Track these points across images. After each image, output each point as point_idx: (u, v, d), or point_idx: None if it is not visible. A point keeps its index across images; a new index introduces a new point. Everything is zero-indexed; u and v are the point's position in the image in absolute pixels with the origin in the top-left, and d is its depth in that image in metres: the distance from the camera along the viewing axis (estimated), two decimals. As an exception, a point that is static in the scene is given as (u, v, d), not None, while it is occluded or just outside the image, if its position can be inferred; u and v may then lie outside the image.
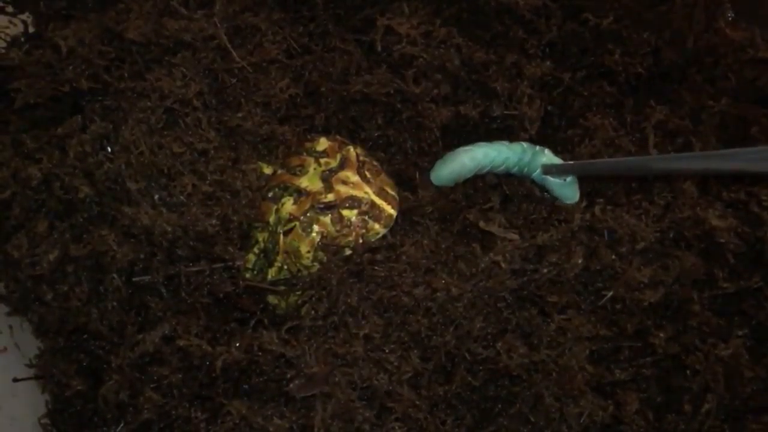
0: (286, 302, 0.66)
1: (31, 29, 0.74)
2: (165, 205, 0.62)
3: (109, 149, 0.64)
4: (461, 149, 0.71)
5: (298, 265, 0.65)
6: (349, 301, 0.61)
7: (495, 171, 0.72)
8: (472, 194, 0.73)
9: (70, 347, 0.66)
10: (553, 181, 0.71)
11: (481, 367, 0.63)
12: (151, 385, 0.61)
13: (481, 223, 0.69)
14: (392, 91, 0.73)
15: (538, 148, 0.71)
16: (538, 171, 0.71)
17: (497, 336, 0.63)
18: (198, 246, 0.63)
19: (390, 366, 0.60)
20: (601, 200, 0.71)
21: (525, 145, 0.71)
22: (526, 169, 0.72)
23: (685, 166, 0.62)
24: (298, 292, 0.64)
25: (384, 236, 0.66)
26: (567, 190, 0.72)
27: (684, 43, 0.79)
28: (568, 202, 0.72)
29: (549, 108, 0.78)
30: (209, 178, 0.64)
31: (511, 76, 0.76)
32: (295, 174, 0.67)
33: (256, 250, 0.66)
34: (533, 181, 0.73)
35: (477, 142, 0.72)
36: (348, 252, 0.64)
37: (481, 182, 0.74)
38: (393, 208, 0.66)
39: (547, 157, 0.71)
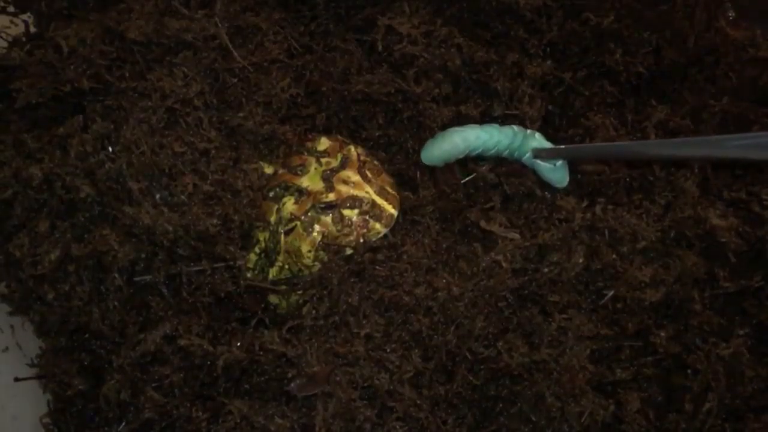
0: (287, 302, 0.66)
1: (32, 29, 0.75)
2: (166, 204, 0.62)
3: (111, 149, 0.64)
4: (453, 129, 0.71)
5: (299, 264, 0.65)
6: (350, 300, 0.61)
7: (485, 154, 0.72)
8: (473, 193, 0.73)
9: (72, 347, 0.66)
10: (543, 165, 0.71)
11: (482, 367, 0.63)
12: (153, 385, 0.61)
13: (482, 223, 0.69)
14: (393, 91, 0.73)
15: (528, 131, 0.71)
16: (529, 154, 0.71)
17: (498, 335, 0.63)
18: (199, 245, 0.63)
19: (391, 365, 0.60)
20: (602, 200, 0.71)
21: (516, 128, 0.71)
22: (516, 153, 0.72)
23: (677, 152, 0.61)
24: (299, 292, 0.64)
25: (385, 236, 0.66)
26: (557, 174, 0.71)
27: (685, 42, 0.79)
28: (558, 186, 0.72)
29: (550, 107, 0.78)
30: (210, 177, 0.64)
31: (512, 76, 0.76)
32: (296, 173, 0.67)
33: (257, 249, 0.66)
34: (524, 165, 0.73)
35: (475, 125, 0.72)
36: (349, 251, 0.64)
37: (481, 181, 0.74)
38: (394, 207, 0.66)
39: (538, 140, 0.71)
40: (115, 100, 0.66)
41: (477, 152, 0.71)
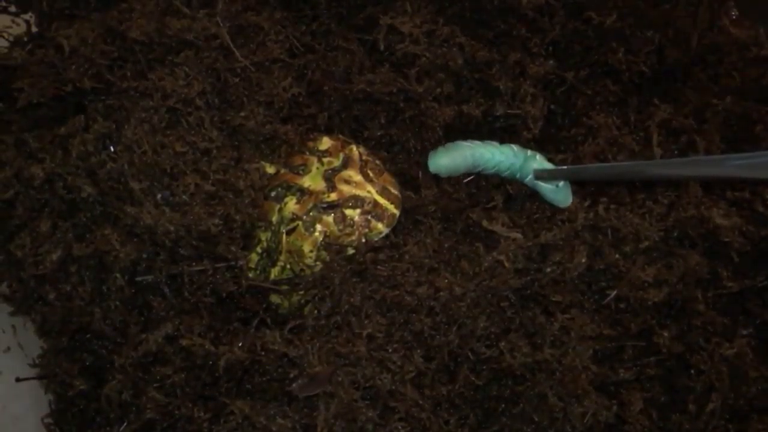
0: (288, 302, 0.66)
1: (33, 29, 0.74)
2: (168, 204, 0.62)
3: (112, 149, 0.64)
4: (464, 143, 0.71)
5: (300, 264, 0.65)
6: (351, 300, 0.61)
7: (485, 172, 0.72)
8: (475, 193, 0.73)
9: (73, 347, 0.66)
10: (545, 186, 0.71)
11: (484, 367, 0.62)
12: (154, 385, 0.61)
13: (485, 222, 0.69)
14: (395, 90, 0.73)
15: (529, 152, 0.71)
16: (530, 176, 0.71)
17: (500, 335, 0.63)
18: (201, 245, 0.63)
19: (393, 365, 0.60)
20: (605, 199, 0.71)
21: (515, 148, 0.71)
22: (518, 174, 0.71)
23: (679, 171, 0.62)
24: (301, 292, 0.64)
25: (387, 235, 0.66)
26: (559, 194, 0.71)
27: (688, 41, 0.79)
28: (561, 206, 0.72)
29: (552, 107, 0.77)
30: (212, 177, 0.64)
31: (514, 75, 0.75)
32: (297, 173, 0.67)
33: (258, 249, 0.66)
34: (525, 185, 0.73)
35: (477, 140, 0.72)
36: (351, 251, 0.64)
37: (484, 181, 0.73)
38: (396, 207, 0.66)
39: (539, 162, 0.71)
40: (116, 100, 0.66)
41: (478, 170, 0.71)
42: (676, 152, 0.75)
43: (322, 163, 0.67)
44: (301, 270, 0.65)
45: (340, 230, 0.64)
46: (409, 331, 0.61)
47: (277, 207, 0.66)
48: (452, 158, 0.70)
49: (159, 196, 0.63)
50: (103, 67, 0.67)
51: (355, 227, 0.64)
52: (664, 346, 0.65)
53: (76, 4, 0.74)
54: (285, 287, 0.64)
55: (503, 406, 0.63)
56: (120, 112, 0.65)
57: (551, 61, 0.77)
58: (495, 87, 0.74)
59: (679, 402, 0.66)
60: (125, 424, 0.62)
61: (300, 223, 0.64)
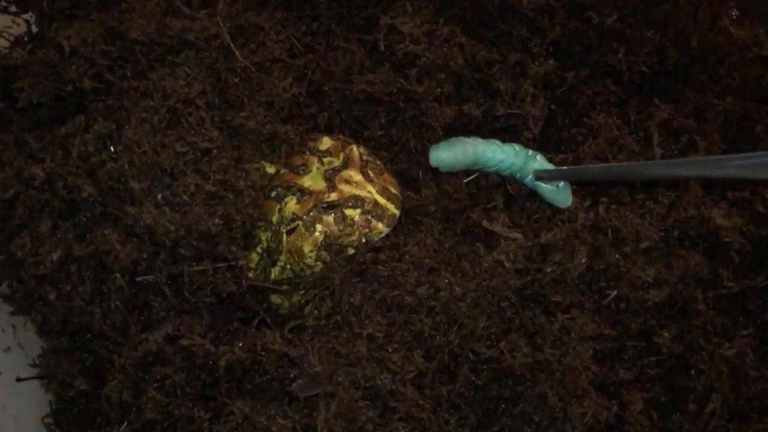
0: (289, 302, 0.66)
1: (34, 29, 0.74)
2: (168, 204, 0.62)
3: (112, 149, 0.64)
4: (466, 139, 0.70)
5: (301, 264, 0.65)
6: (352, 300, 0.61)
7: (485, 170, 0.72)
8: (475, 193, 0.73)
9: (74, 347, 0.66)
10: (545, 187, 0.70)
11: (484, 367, 0.62)
12: (155, 385, 0.61)
13: (485, 223, 0.69)
14: (395, 90, 0.73)
15: (530, 152, 0.71)
16: (530, 177, 0.71)
17: (501, 335, 0.63)
18: (201, 245, 0.63)
19: (393, 365, 0.60)
20: (605, 199, 0.71)
21: (517, 147, 0.71)
22: (518, 174, 0.71)
23: (679, 172, 0.62)
24: (301, 292, 0.64)
25: (387, 235, 0.66)
26: (559, 195, 0.71)
27: (688, 41, 0.79)
28: (562, 206, 0.72)
29: (552, 107, 0.77)
30: (212, 177, 0.64)
31: (514, 75, 0.75)
32: (298, 173, 0.67)
33: (259, 249, 0.66)
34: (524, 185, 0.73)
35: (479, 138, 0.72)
36: (351, 251, 0.64)
37: (484, 182, 0.73)
38: (396, 207, 0.66)
39: (539, 162, 0.70)
40: (116, 100, 0.66)
41: (478, 167, 0.71)
42: (676, 152, 0.75)
43: (323, 163, 0.67)
44: (302, 270, 0.65)
45: (340, 230, 0.64)
46: (410, 331, 0.61)
47: (278, 207, 0.66)
48: (453, 152, 0.70)
49: (159, 196, 0.63)
50: (104, 67, 0.67)
51: (355, 227, 0.64)
52: (664, 347, 0.65)
53: (76, 4, 0.74)
54: (285, 287, 0.64)
55: (503, 406, 0.63)
56: (120, 112, 0.65)
57: (551, 61, 0.76)
58: (495, 87, 0.74)
59: (679, 402, 0.66)
60: (125, 424, 0.62)
61: (300, 223, 0.64)
